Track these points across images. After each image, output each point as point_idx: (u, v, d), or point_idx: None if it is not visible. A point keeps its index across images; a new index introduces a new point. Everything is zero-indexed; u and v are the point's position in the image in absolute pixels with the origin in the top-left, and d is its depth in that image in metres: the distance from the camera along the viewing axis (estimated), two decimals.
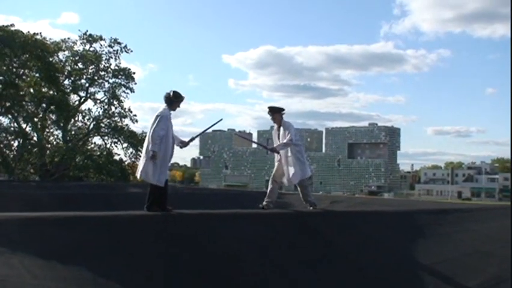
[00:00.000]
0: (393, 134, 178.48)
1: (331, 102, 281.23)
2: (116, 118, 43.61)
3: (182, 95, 8.88)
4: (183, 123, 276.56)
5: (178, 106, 8.90)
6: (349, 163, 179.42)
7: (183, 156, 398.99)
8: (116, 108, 43.82)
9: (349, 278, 8.04)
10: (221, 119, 10.11)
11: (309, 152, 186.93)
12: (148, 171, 8.48)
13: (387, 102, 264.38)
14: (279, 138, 10.30)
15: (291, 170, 10.01)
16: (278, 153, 10.24)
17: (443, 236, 10.02)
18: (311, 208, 10.39)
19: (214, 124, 10.11)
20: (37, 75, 39.38)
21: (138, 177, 8.83)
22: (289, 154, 10.06)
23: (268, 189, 10.45)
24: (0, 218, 6.66)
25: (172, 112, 8.78)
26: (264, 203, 10.24)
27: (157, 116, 8.57)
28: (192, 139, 9.48)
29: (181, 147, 9.26)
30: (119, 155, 42.85)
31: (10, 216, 6.80)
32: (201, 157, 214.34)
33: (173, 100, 8.77)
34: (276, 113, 10.33)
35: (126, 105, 44.07)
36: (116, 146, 43.04)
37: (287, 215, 10.05)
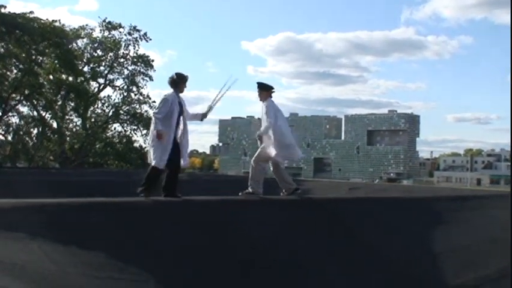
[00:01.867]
0: (412, 121, 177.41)
1: (351, 89, 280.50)
2: (135, 105, 43.71)
3: (186, 75, 8.86)
4: (202, 110, 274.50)
5: (185, 86, 8.89)
6: (368, 150, 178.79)
7: (202, 143, 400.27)
8: (135, 95, 43.92)
9: (368, 264, 8.02)
10: (236, 79, 9.68)
11: (328, 139, 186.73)
12: (150, 152, 8.53)
13: (408, 89, 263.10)
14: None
15: (273, 151, 9.41)
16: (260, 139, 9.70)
17: (462, 223, 9.94)
18: (285, 193, 9.67)
19: (228, 85, 9.70)
20: (56, 62, 39.53)
21: (149, 162, 8.66)
22: (271, 137, 9.49)
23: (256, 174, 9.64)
24: (19, 204, 6.72)
25: (180, 94, 8.82)
26: (250, 190, 9.48)
27: (161, 99, 8.75)
28: (210, 108, 9.43)
29: (202, 120, 9.36)
30: (138, 141, 42.99)
31: (29, 203, 6.85)
32: (220, 144, 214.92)
33: (178, 81, 8.77)
34: (263, 90, 9.79)
35: (145, 92, 44.10)
36: (135, 133, 43.12)
37: (306, 201, 9.94)
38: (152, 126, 8.60)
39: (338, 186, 21.15)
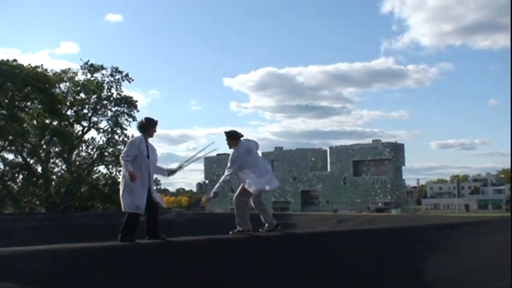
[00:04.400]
0: (397, 149, 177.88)
1: (334, 120, 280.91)
2: (119, 146, 43.64)
3: (155, 119, 8.76)
4: (187, 148, 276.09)
5: (155, 131, 8.75)
6: (355, 181, 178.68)
7: (189, 181, 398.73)
8: (119, 136, 43.93)
9: None
10: (213, 142, 9.66)
11: (315, 171, 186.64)
12: (125, 198, 8.25)
13: (391, 118, 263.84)
14: None
15: (246, 182, 9.35)
16: (215, 195, 9.66)
17: (452, 250, 9.98)
18: (266, 228, 9.54)
19: (203, 150, 9.79)
20: (40, 107, 39.54)
21: (123, 209, 8.33)
22: (242, 171, 9.43)
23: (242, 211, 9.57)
24: (7, 252, 6.63)
25: (150, 138, 8.68)
26: (239, 228, 9.44)
27: (128, 142, 8.65)
28: (180, 167, 9.35)
29: (168, 176, 9.18)
30: None
31: (15, 250, 6.75)
32: (207, 181, 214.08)
33: (147, 125, 8.65)
34: (230, 139, 9.73)
35: (129, 133, 44.06)
36: (121, 174, 43.02)
37: (294, 236, 9.90)
38: (122, 170, 8.44)
39: (326, 218, 21.15)
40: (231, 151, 9.65)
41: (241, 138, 9.73)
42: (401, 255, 9.42)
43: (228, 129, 9.81)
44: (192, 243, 8.43)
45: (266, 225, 9.57)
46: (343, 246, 9.30)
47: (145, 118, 8.78)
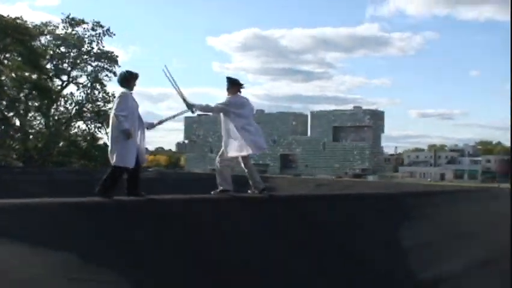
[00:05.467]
0: (377, 117, 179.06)
1: (316, 85, 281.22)
2: (99, 103, 43.24)
3: (136, 72, 8.59)
4: (167, 107, 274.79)
5: (135, 85, 8.57)
6: (334, 146, 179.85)
7: (168, 141, 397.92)
8: (99, 92, 43.48)
9: (336, 261, 8.08)
10: (190, 110, 9.48)
11: (295, 135, 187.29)
12: (116, 153, 8.12)
13: (372, 84, 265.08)
14: None
15: (230, 143, 9.28)
16: (192, 111, 9.53)
17: (428, 218, 10.05)
18: (256, 192, 9.50)
19: (182, 113, 9.80)
20: (19, 59, 38.93)
21: (112, 164, 8.21)
22: (230, 127, 9.33)
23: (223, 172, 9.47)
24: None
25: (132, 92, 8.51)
26: (220, 188, 9.34)
27: (118, 97, 8.40)
28: (160, 122, 9.27)
29: (148, 129, 8.92)
30: (103, 139, 42.48)
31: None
32: (186, 141, 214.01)
33: (129, 79, 8.50)
34: (232, 85, 9.64)
35: (109, 89, 43.56)
36: (99, 131, 42.72)
37: (274, 199, 9.90)
38: (113, 126, 8.23)
39: (304, 182, 21.21)
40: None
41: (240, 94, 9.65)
42: (380, 221, 9.48)
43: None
44: (172, 202, 8.37)
45: (252, 187, 9.55)
46: (323, 211, 9.32)
47: (127, 71, 8.64)
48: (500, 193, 13.15)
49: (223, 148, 9.49)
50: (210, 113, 9.83)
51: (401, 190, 15.04)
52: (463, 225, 9.96)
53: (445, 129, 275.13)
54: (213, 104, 9.47)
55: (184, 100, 9.45)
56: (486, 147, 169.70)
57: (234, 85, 9.64)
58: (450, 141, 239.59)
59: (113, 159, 8.15)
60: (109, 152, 8.28)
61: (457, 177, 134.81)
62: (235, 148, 9.25)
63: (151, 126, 9.03)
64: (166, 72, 9.23)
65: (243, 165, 9.61)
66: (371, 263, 8.19)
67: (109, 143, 8.50)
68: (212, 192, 9.26)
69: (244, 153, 9.36)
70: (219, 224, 7.87)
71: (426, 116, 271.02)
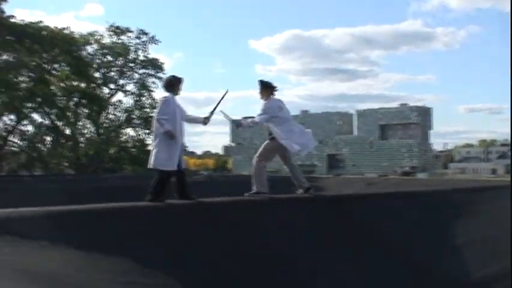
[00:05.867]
0: (424, 113, 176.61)
1: (361, 83, 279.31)
2: (147, 109, 43.70)
3: (181, 77, 8.66)
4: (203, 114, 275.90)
5: (180, 89, 8.65)
6: (381, 144, 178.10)
7: (215, 144, 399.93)
8: (146, 99, 43.97)
9: (387, 260, 7.99)
10: (227, 90, 9.38)
11: (341, 135, 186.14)
12: (158, 156, 8.18)
13: (418, 81, 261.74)
14: None
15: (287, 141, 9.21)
16: (238, 126, 9.70)
17: (481, 214, 9.87)
18: (301, 192, 9.45)
19: (223, 97, 9.43)
20: (67, 69, 39.67)
21: (151, 166, 8.31)
22: (276, 130, 9.29)
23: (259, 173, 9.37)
24: (39, 212, 6.72)
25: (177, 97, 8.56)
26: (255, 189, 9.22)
27: (160, 101, 8.51)
28: (212, 113, 9.10)
29: (205, 124, 9.02)
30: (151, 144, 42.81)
31: (48, 210, 6.84)
32: (233, 144, 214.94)
33: (174, 83, 8.57)
34: (264, 88, 9.55)
35: (156, 95, 43.98)
36: (148, 137, 43.19)
37: (323, 199, 9.85)
38: (156, 129, 8.39)
39: (354, 182, 21.03)
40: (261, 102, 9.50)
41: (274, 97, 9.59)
42: (430, 218, 9.34)
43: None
44: (222, 205, 8.43)
45: (298, 188, 9.50)
46: (371, 209, 9.23)
47: (172, 76, 8.75)
48: None
49: (261, 147, 9.49)
50: (257, 124, 9.73)
51: (454, 186, 14.73)
52: None
53: (494, 124, 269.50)
54: (256, 118, 9.40)
55: (233, 121, 9.65)
56: None
57: (266, 88, 9.56)
58: (501, 136, 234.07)
59: (154, 162, 8.20)
60: (151, 155, 8.34)
61: (508, 172, 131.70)
62: (292, 145, 9.23)
63: (207, 118, 9.02)
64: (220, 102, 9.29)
65: (285, 164, 9.59)
66: (424, 262, 8.08)
67: (152, 147, 8.57)
68: (246, 194, 9.14)
69: (293, 150, 9.34)
70: (267, 226, 7.86)
71: (474, 111, 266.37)
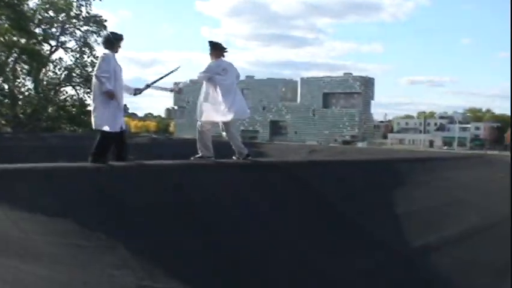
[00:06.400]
0: (367, 83, 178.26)
1: (307, 51, 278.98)
2: (88, 68, 42.81)
3: (121, 34, 8.34)
4: (156, 72, 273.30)
5: (119, 46, 8.33)
6: (324, 113, 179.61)
7: (157, 107, 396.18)
8: (88, 57, 43.07)
9: (332, 227, 8.06)
10: (178, 67, 9.44)
11: (284, 101, 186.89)
12: (99, 117, 7.94)
13: (363, 50, 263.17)
14: None
15: (209, 108, 9.21)
16: (179, 92, 9.88)
17: (422, 184, 10.07)
18: (238, 157, 9.45)
19: (170, 73, 9.49)
20: (7, 23, 38.39)
21: (94, 128, 8.09)
22: (209, 91, 9.27)
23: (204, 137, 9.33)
24: None
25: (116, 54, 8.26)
26: (200, 153, 9.23)
27: (100, 58, 8.20)
28: (147, 86, 9.02)
29: (135, 95, 8.86)
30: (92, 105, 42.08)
31: None
32: (176, 107, 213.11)
33: (113, 41, 8.25)
34: (214, 49, 9.45)
35: (99, 54, 43.04)
36: (88, 96, 42.40)
37: (270, 165, 9.85)
38: (95, 88, 8.06)
39: (297, 149, 21.18)
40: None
41: (223, 58, 9.49)
42: (373, 187, 9.47)
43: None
44: (162, 167, 8.28)
45: (237, 154, 9.46)
46: (316, 177, 9.29)
47: (111, 32, 8.49)
48: (493, 160, 13.17)
49: (204, 112, 9.34)
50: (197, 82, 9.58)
51: (394, 156, 15.00)
52: (456, 191, 9.98)
53: (435, 97, 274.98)
54: (196, 76, 9.30)
55: (172, 90, 9.72)
56: (475, 115, 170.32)
57: (216, 49, 9.48)
58: (440, 108, 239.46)
59: (96, 123, 7.98)
60: (92, 116, 8.07)
61: (446, 144, 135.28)
62: (217, 113, 9.17)
63: (139, 91, 8.85)
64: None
65: (224, 132, 9.52)
66: (366, 229, 8.18)
67: (91, 106, 8.26)
68: (192, 158, 9.13)
69: (227, 119, 9.28)
70: (210, 189, 7.81)
71: (416, 83, 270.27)
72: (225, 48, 9.54)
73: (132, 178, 7.30)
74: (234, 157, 9.51)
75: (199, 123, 9.39)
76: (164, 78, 9.32)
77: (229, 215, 7.39)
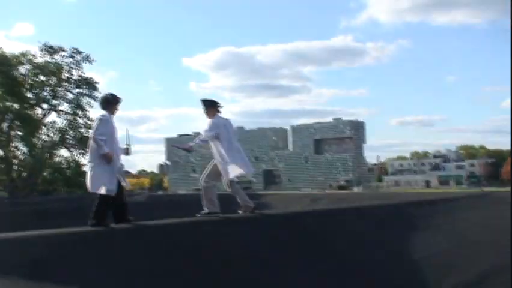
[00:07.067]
0: (357, 127, 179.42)
1: (294, 99, 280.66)
2: (81, 129, 42.90)
3: (120, 97, 8.27)
4: (147, 129, 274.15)
5: (117, 109, 8.24)
6: (316, 159, 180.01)
7: (150, 163, 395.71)
8: (81, 118, 43.19)
9: (345, 276, 7.94)
10: (189, 152, 9.54)
11: (276, 150, 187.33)
12: (95, 180, 7.74)
13: (351, 95, 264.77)
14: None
15: (226, 165, 9.03)
16: (190, 151, 9.59)
17: (435, 227, 9.96)
18: (244, 211, 9.27)
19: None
20: (0, 90, 38.62)
21: (91, 191, 7.83)
22: (220, 149, 9.14)
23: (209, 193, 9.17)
24: None
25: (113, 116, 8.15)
26: (206, 210, 9.04)
27: (97, 120, 8.06)
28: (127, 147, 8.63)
29: (125, 155, 8.51)
30: (87, 166, 42.02)
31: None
32: (168, 162, 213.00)
33: (112, 102, 8.16)
34: (208, 107, 9.35)
35: (91, 115, 43.18)
36: (83, 157, 42.34)
37: (275, 217, 9.75)
38: (92, 150, 7.89)
39: (298, 198, 21.09)
40: (207, 121, 9.27)
41: (219, 114, 9.39)
42: (383, 233, 9.36)
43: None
44: (166, 227, 8.09)
45: (243, 208, 9.28)
46: (323, 226, 9.18)
47: (111, 93, 8.29)
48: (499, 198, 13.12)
49: (208, 168, 9.28)
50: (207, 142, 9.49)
51: (401, 200, 14.90)
52: (469, 232, 9.87)
53: (426, 136, 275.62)
54: (203, 136, 9.17)
55: (184, 148, 9.52)
56: (468, 151, 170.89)
57: (210, 106, 9.37)
58: (432, 147, 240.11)
59: (94, 186, 7.77)
60: (87, 178, 7.90)
61: (442, 183, 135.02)
62: (232, 169, 9.03)
63: (126, 153, 8.53)
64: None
65: (227, 187, 9.33)
66: (383, 277, 8.06)
67: (87, 168, 8.07)
68: (197, 215, 8.94)
69: (242, 173, 9.21)
70: (217, 246, 7.68)
71: (406, 124, 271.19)
72: (218, 103, 9.45)
73: (137, 240, 7.14)
74: (239, 211, 9.34)
75: (203, 178, 9.27)
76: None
77: (243, 272, 7.28)
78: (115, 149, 7.95)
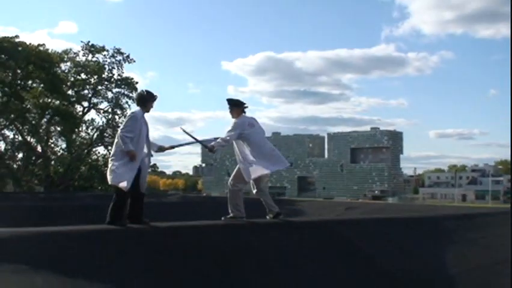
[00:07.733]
0: (395, 137, 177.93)
1: (332, 107, 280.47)
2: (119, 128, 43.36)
3: (155, 94, 8.20)
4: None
5: (152, 106, 8.17)
6: (352, 168, 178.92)
7: (185, 165, 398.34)
8: (119, 117, 43.67)
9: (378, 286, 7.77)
10: (211, 151, 9.30)
11: (311, 157, 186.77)
12: (115, 173, 7.62)
13: (389, 105, 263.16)
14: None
15: (248, 166, 8.89)
16: (212, 151, 9.30)
17: (472, 242, 9.71)
18: (271, 216, 9.08)
19: (191, 143, 9.32)
20: (41, 86, 39.26)
21: (110, 183, 7.72)
22: (244, 149, 9.02)
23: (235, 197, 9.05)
24: (19, 233, 6.34)
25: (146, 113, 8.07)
26: (231, 214, 8.93)
27: (127, 117, 8.04)
28: (172, 147, 8.98)
29: (157, 152, 8.51)
30: None
31: (29, 232, 6.45)
32: (203, 165, 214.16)
33: (147, 99, 8.10)
34: (233, 106, 9.21)
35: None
36: None
37: (311, 224, 9.60)
38: (117, 145, 7.75)
39: (332, 205, 20.87)
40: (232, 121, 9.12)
41: (245, 114, 9.23)
42: (421, 246, 9.14)
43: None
44: (183, 229, 8.04)
45: (268, 212, 9.12)
46: (357, 235, 9.01)
47: (146, 90, 8.22)
48: None
49: (235, 170, 9.13)
50: (229, 142, 9.32)
51: (440, 213, 14.59)
52: (507, 248, 9.56)
53: (465, 149, 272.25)
54: (226, 136, 8.96)
55: (205, 146, 9.25)
56: (507, 167, 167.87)
57: (236, 106, 9.23)
58: (470, 161, 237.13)
59: (114, 179, 7.64)
60: (108, 170, 7.80)
61: (478, 198, 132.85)
62: (253, 170, 8.88)
63: (161, 149, 8.59)
64: (185, 130, 9.03)
65: (254, 189, 9.18)
66: None
67: (110, 162, 7.91)
68: (222, 218, 8.85)
69: (265, 172, 9.02)
70: (239, 252, 7.55)
71: (445, 136, 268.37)
72: (245, 104, 9.31)
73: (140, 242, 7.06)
74: (267, 216, 9.16)
75: (230, 182, 9.16)
76: (190, 144, 9.20)
77: (271, 277, 7.17)
78: (141, 147, 7.83)
